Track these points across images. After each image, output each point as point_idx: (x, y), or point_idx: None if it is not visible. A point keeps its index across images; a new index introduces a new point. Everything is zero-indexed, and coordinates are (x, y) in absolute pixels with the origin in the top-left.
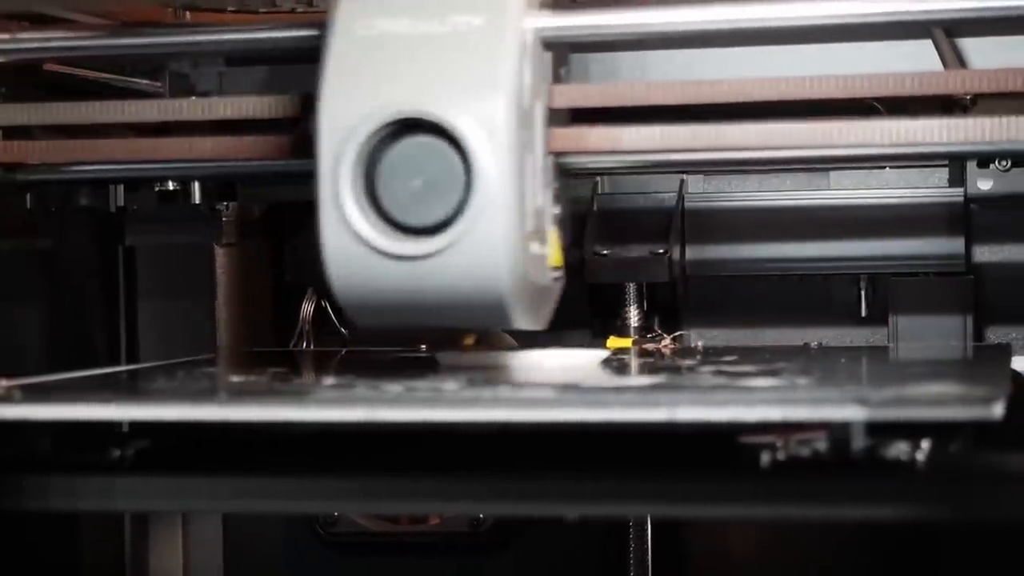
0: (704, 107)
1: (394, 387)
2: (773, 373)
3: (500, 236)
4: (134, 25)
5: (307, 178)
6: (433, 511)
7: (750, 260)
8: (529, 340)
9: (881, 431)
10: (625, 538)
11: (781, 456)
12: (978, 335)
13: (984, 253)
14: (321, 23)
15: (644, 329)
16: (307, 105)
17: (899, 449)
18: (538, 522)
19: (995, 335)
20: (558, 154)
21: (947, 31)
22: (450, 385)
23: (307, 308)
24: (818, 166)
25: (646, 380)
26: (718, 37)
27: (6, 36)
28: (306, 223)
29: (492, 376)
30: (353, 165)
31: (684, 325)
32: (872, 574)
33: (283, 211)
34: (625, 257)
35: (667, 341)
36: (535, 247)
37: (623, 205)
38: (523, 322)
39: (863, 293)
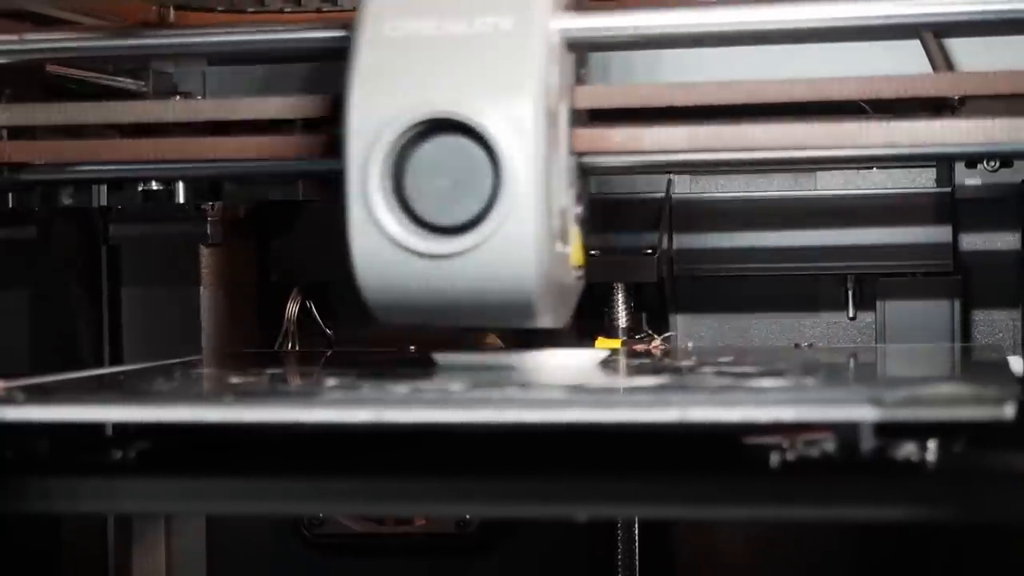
0: (690, 109)
1: (400, 388)
2: (777, 374)
3: (528, 235)
4: (128, 26)
5: (292, 177)
6: (439, 513)
7: (738, 260)
8: (516, 341)
9: (889, 431)
10: (613, 538)
11: (791, 457)
12: (965, 335)
13: (971, 253)
14: (344, 24)
15: (632, 330)
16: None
17: (908, 449)
18: (525, 523)
19: (981, 335)
20: (580, 154)
21: (936, 33)
22: (456, 386)
23: (292, 308)
24: (806, 166)
25: (651, 381)
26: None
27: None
28: (291, 223)
29: (495, 377)
30: (382, 164)
31: (671, 325)
32: (860, 573)
33: (268, 211)
34: (614, 257)
35: (657, 342)
36: (560, 246)
37: (610, 205)
38: (547, 320)
39: (850, 293)
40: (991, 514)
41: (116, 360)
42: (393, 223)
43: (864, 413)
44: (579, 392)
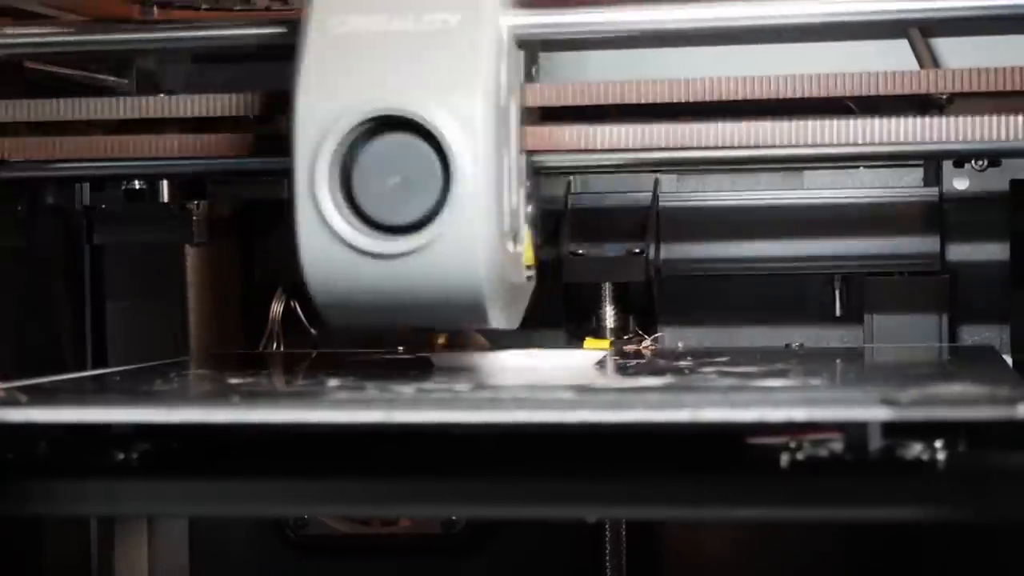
0: (678, 106)
1: (405, 389)
2: (781, 374)
3: (478, 235)
4: (102, 22)
5: (277, 175)
6: (448, 514)
7: (725, 259)
8: (504, 341)
9: (897, 431)
10: (600, 539)
11: (800, 457)
12: (952, 335)
13: (959, 252)
14: (294, 20)
15: (620, 330)
16: (276, 103)
17: (918, 449)
18: (512, 523)
19: (968, 334)
20: (531, 153)
21: (923, 31)
22: (461, 386)
23: (276, 308)
24: (793, 165)
25: (656, 381)
26: (692, 36)
27: None
28: (276, 222)
29: (497, 377)
30: (330, 162)
31: (658, 325)
32: (847, 573)
33: (253, 210)
34: (603, 257)
35: (647, 342)
36: (510, 246)
37: (597, 204)
38: (498, 321)
39: (838, 292)
40: (1003, 514)
41: (100, 361)
42: (341, 222)
43: (879, 413)
44: (587, 392)
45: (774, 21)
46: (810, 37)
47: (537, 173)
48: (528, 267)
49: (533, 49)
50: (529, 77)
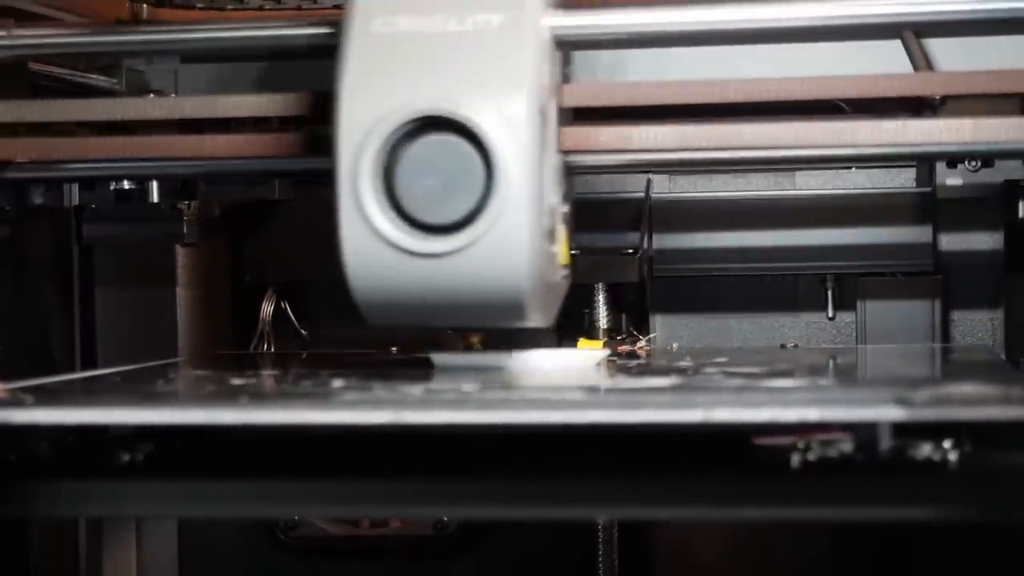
0: (672, 108)
1: (413, 389)
2: (787, 374)
3: (521, 234)
4: (103, 24)
5: (270, 176)
6: (452, 515)
7: (718, 260)
8: (496, 341)
9: (908, 431)
10: (593, 539)
11: (811, 457)
12: (944, 335)
13: (952, 253)
14: (334, 21)
15: (611, 330)
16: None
17: (928, 449)
18: (503, 524)
19: (961, 335)
20: (567, 152)
21: (917, 33)
22: (468, 387)
23: (267, 309)
24: (786, 167)
25: (663, 382)
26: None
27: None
28: (266, 223)
29: (500, 378)
30: (373, 163)
31: (651, 326)
32: (839, 572)
33: (243, 211)
34: (596, 258)
35: (642, 343)
36: (548, 245)
37: (590, 204)
38: (536, 320)
39: (830, 293)
40: (1014, 515)
41: (89, 361)
42: (384, 222)
43: (894, 413)
44: (597, 393)
45: (770, 24)
46: (804, 38)
47: (571, 173)
48: (563, 266)
49: (568, 50)
50: (564, 78)
